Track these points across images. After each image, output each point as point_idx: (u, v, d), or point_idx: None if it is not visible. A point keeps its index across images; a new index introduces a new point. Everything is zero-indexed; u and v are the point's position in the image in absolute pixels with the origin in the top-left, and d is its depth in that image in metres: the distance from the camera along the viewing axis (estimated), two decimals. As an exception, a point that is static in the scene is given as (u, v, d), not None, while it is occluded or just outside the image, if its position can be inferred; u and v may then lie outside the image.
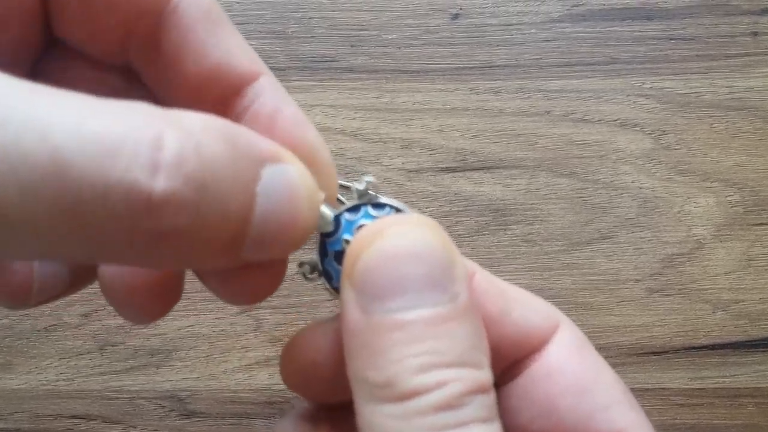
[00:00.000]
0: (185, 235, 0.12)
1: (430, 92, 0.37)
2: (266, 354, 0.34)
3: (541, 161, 0.36)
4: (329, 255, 0.18)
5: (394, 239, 0.15)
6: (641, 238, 0.36)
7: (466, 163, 0.36)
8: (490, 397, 0.15)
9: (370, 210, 0.18)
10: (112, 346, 0.35)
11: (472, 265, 0.19)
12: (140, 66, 0.19)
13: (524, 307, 0.19)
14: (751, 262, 0.35)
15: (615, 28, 0.38)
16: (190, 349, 0.35)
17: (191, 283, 0.35)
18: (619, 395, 0.18)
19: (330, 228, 0.18)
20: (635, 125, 0.37)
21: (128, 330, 0.35)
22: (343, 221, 0.18)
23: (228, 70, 0.18)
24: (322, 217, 0.17)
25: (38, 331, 0.35)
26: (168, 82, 0.18)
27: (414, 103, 0.37)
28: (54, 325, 0.35)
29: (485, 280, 0.19)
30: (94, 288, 0.35)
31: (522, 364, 0.19)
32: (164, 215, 0.12)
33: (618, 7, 0.38)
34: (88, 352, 0.35)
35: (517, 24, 0.38)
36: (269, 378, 0.34)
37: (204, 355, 0.35)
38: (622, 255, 0.35)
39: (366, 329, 0.15)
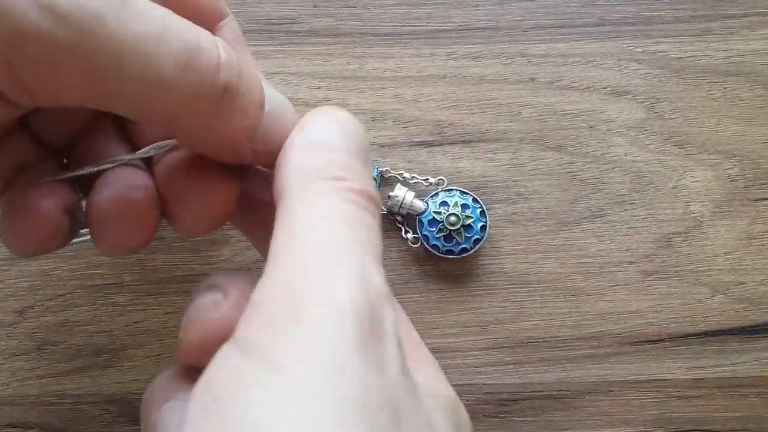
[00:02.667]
0: (234, 97, 0.19)
1: (402, 58, 0.34)
2: (224, 351, 0.31)
3: (525, 133, 0.33)
4: (424, 224, 0.32)
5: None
6: (634, 216, 0.33)
7: (443, 136, 0.33)
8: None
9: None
10: (52, 345, 0.31)
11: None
12: None
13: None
14: (752, 240, 0.33)
15: (604, -14, 0.35)
16: (139, 348, 0.31)
17: (139, 273, 0.32)
18: None
19: (423, 208, 0.32)
20: (627, 93, 0.34)
21: (69, 327, 0.31)
22: (430, 204, 0.32)
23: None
24: (416, 205, 0.32)
25: (-33, 330, 0.31)
26: None
27: (385, 71, 0.34)
28: (-15, 323, 0.31)
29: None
30: (29, 281, 0.31)
31: None
32: (224, 72, 0.19)
33: (607, -38, 0.35)
34: (24, 353, 0.31)
35: (497, -18, 0.34)
36: (228, 378, 0.31)
37: (155, 354, 0.31)
38: (615, 235, 0.33)
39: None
